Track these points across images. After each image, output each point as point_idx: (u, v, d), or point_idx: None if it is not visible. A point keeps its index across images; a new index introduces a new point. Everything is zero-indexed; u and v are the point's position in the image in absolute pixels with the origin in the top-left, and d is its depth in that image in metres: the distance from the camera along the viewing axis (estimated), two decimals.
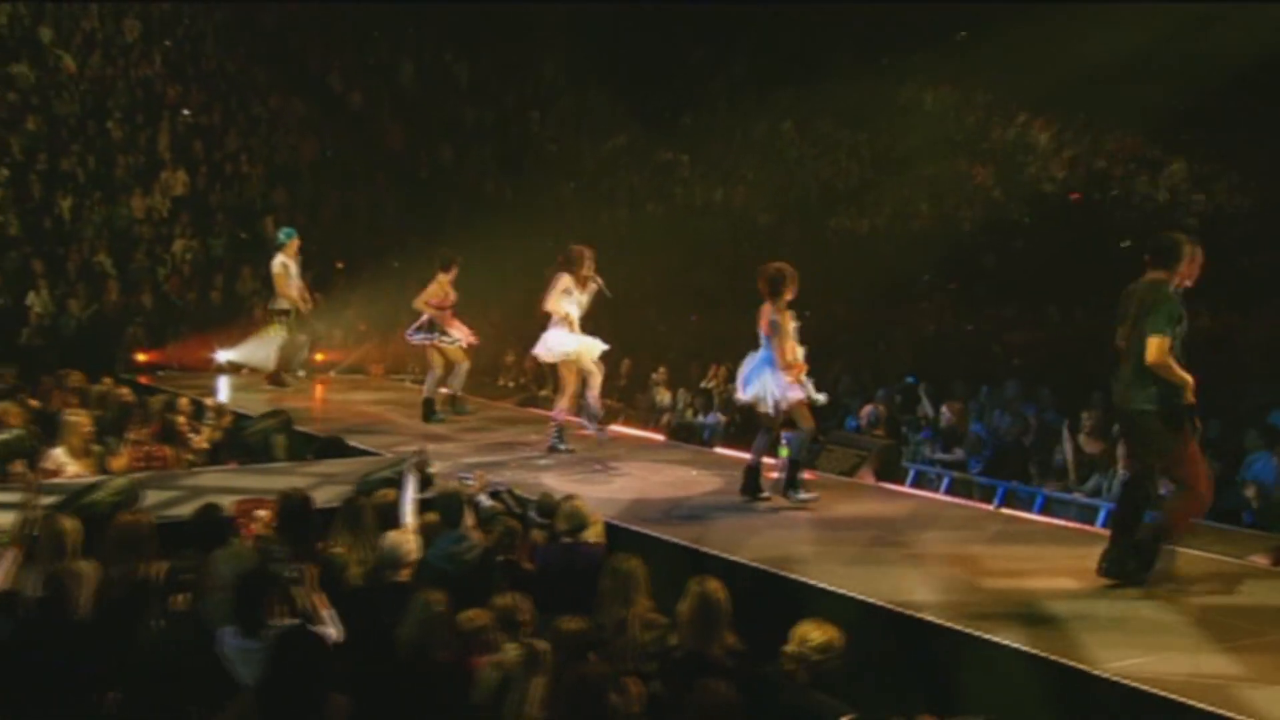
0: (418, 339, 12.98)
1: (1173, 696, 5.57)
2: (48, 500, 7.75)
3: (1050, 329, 19.40)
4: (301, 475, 10.03)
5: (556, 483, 9.89)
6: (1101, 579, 7.29)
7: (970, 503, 10.73)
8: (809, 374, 9.38)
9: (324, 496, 9.08)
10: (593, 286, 11.07)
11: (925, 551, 8.31)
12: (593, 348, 11.10)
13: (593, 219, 22.97)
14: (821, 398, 9.58)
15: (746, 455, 11.23)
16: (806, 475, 10.15)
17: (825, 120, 27.92)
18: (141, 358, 16.10)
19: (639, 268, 19.71)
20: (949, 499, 10.79)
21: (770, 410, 9.33)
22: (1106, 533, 8.64)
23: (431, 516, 7.98)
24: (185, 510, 8.56)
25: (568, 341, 10.90)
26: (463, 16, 27.88)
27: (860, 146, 27.41)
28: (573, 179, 24.64)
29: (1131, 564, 7.11)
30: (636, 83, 27.73)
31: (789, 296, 9.37)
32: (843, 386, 14.90)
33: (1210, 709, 5.44)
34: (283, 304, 14.50)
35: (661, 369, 15.28)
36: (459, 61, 26.99)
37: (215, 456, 10.91)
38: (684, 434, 12.87)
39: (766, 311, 9.31)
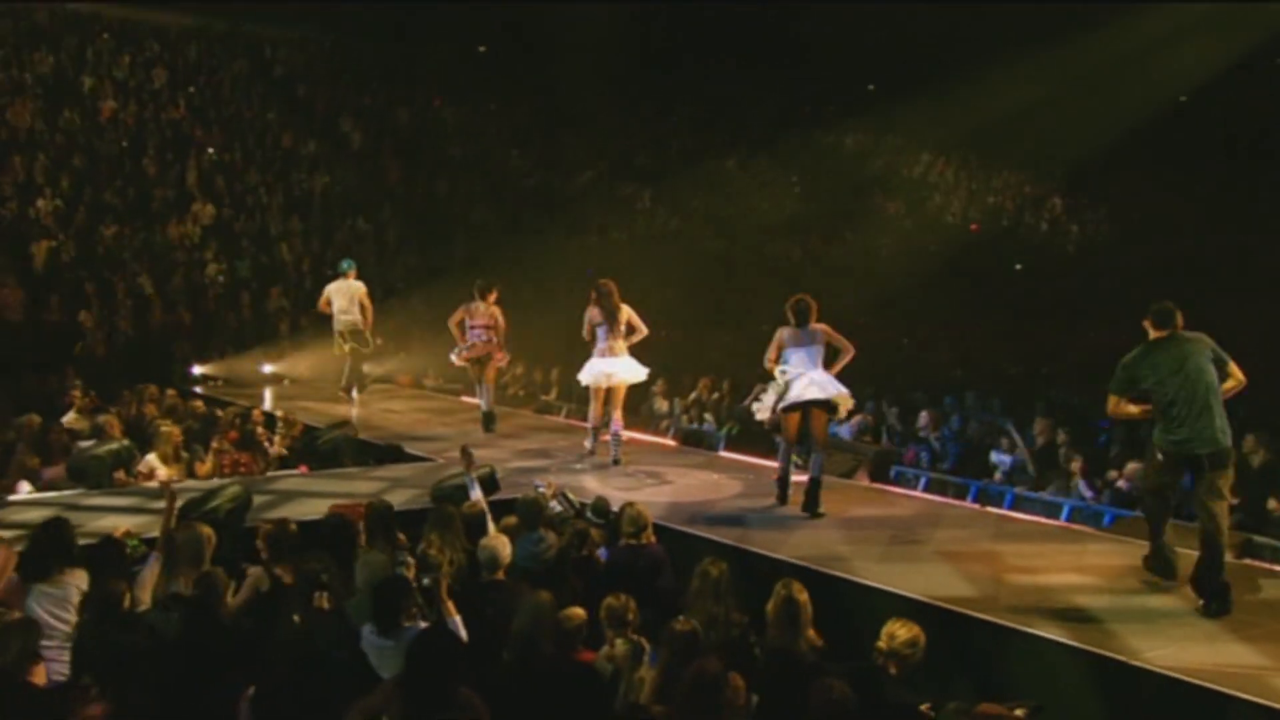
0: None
1: (1209, 685, 5.42)
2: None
3: (966, 342, 19.49)
4: (373, 480, 9.85)
5: (597, 485, 9.67)
6: (1101, 574, 7.24)
7: (962, 503, 10.47)
8: None
9: (398, 500, 8.90)
10: (625, 314, 10.68)
11: (945, 549, 8.01)
12: (625, 373, 10.69)
13: (566, 245, 22.78)
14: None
15: (752, 460, 11.19)
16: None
17: (762, 160, 27.90)
18: (197, 370, 15.61)
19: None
20: (943, 499, 10.53)
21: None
22: (1087, 530, 8.66)
23: (510, 520, 7.82)
24: (284, 512, 8.36)
25: (597, 367, 10.61)
26: (447, 66, 27.68)
27: (792, 184, 27.40)
28: (549, 209, 24.36)
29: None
30: (600, 126, 27.57)
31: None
32: None
33: (1244, 696, 5.31)
34: (344, 324, 14.18)
35: (660, 381, 15.00)
36: (446, 106, 26.65)
37: (286, 463, 10.68)
38: (694, 440, 12.59)
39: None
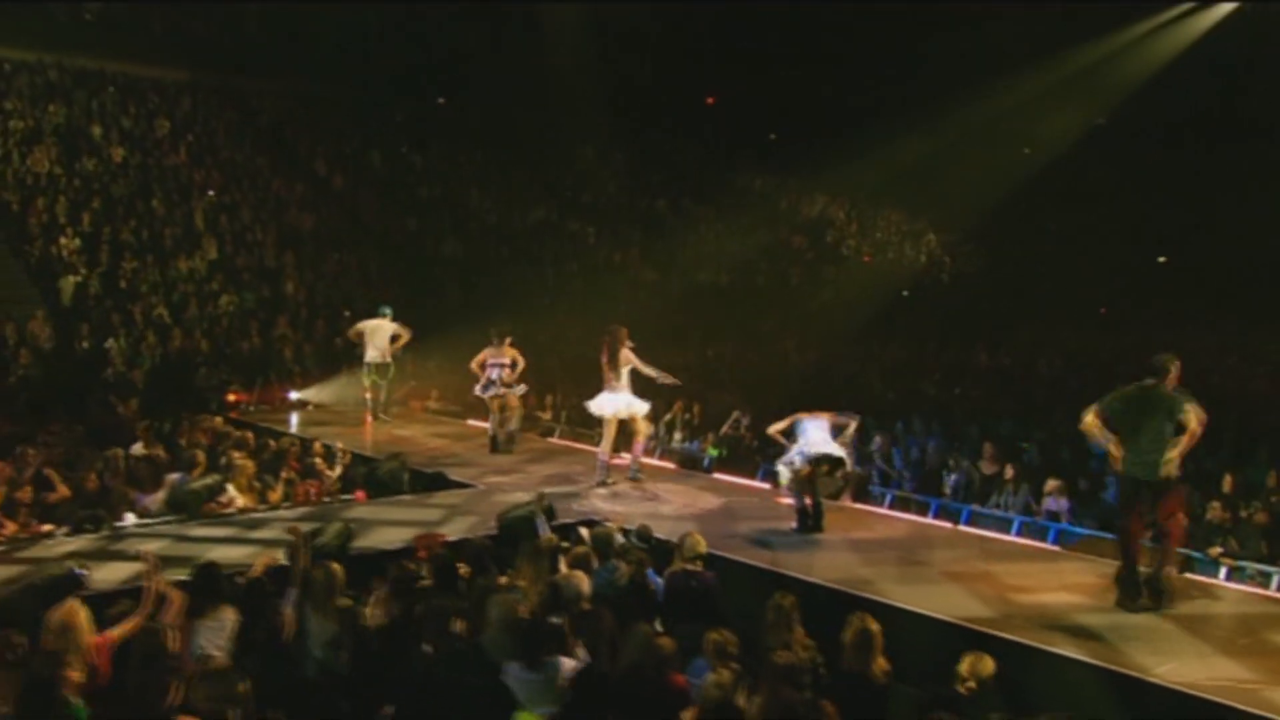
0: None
1: (1214, 699, 5.59)
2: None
3: (881, 363, 19.77)
4: (431, 508, 9.72)
5: (623, 509, 9.61)
6: (1085, 592, 7.39)
7: (939, 523, 10.28)
8: None
9: (461, 528, 8.84)
10: (624, 356, 10.58)
11: (947, 570, 7.96)
12: (637, 407, 10.63)
13: (524, 276, 22.71)
14: None
15: (743, 481, 11.25)
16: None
17: (687, 199, 28.06)
18: (231, 397, 15.19)
19: (574, 319, 19.62)
20: (923, 520, 10.41)
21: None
22: (1057, 549, 8.87)
23: (579, 550, 7.77)
24: (369, 541, 8.25)
25: (598, 400, 10.60)
26: (412, 115, 27.40)
27: (713, 219, 27.60)
28: (507, 243, 24.21)
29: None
30: (546, 167, 27.50)
31: None
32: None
33: (1245, 709, 5.47)
34: (380, 359, 14.12)
35: (673, 410, 14.80)
36: (413, 151, 26.32)
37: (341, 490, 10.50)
38: (690, 463, 12.49)
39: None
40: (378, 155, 25.65)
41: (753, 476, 11.57)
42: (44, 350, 16.39)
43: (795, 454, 8.86)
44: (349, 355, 18.14)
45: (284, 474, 10.18)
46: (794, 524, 9.08)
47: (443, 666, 6.11)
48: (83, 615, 5.87)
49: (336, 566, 6.73)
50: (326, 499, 10.01)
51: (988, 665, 5.51)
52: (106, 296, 17.89)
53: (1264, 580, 8.57)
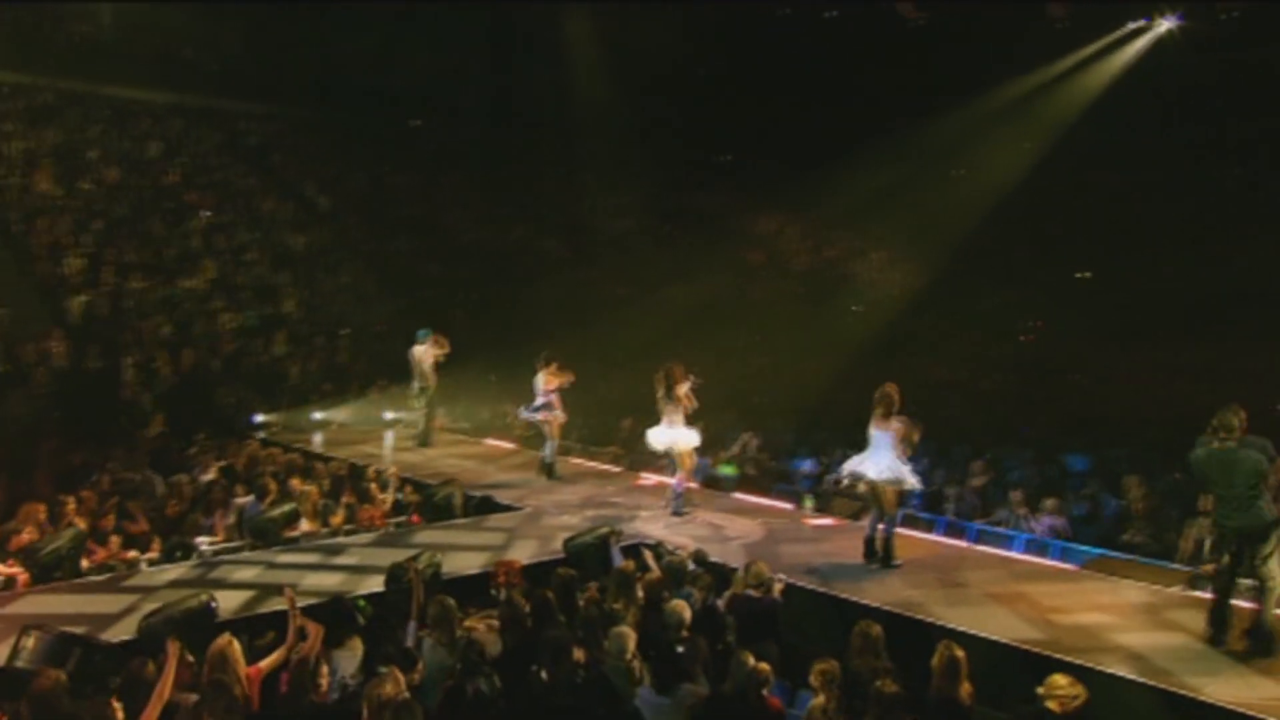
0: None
1: (1263, 717, 6.01)
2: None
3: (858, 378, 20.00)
4: (489, 531, 9.85)
5: (665, 533, 9.75)
6: (1117, 612, 7.75)
7: (950, 540, 10.24)
8: None
9: (525, 553, 9.00)
10: (686, 388, 10.55)
11: (987, 591, 8.11)
12: (689, 439, 10.59)
13: (502, 293, 22.81)
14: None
15: (768, 502, 11.51)
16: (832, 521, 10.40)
17: (651, 218, 28.33)
18: (260, 419, 15.11)
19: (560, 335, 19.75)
20: (947, 540, 10.32)
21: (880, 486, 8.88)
22: (1078, 570, 9.23)
23: (651, 576, 8.00)
24: (444, 568, 8.37)
25: (664, 435, 10.58)
26: (398, 137, 27.31)
27: (677, 239, 27.88)
28: (486, 261, 24.26)
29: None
30: (519, 188, 27.53)
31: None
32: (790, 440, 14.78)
33: None
34: (424, 384, 13.95)
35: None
36: (396, 173, 26.25)
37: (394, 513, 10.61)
38: (712, 483, 12.55)
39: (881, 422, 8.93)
40: (363, 177, 25.52)
41: (768, 496, 11.81)
42: (60, 370, 16.17)
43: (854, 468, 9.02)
44: (355, 373, 18.25)
45: (345, 499, 10.27)
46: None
47: (564, 694, 6.35)
48: (237, 647, 6.06)
49: (451, 601, 6.92)
50: (390, 524, 10.12)
51: (1076, 688, 5.75)
52: (114, 316, 17.65)
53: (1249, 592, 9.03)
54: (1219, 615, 7.24)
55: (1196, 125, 25.29)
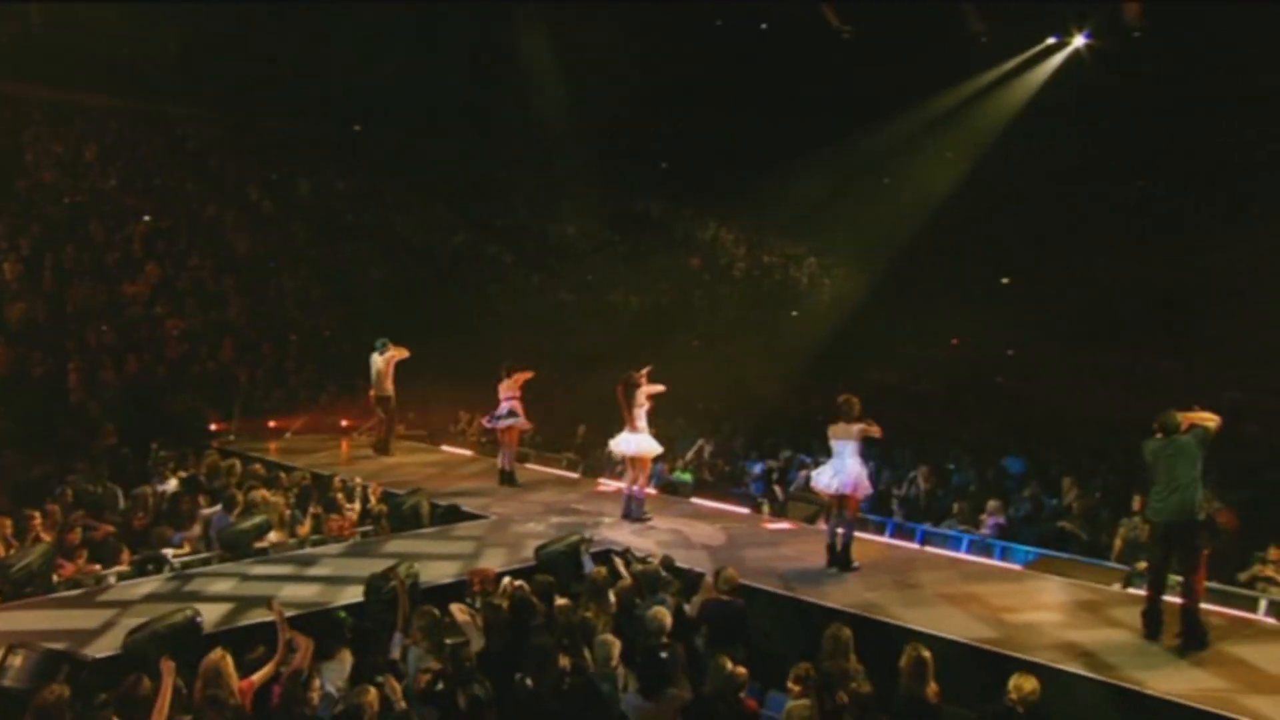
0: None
1: (1201, 707, 6.30)
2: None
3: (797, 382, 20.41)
4: (459, 540, 9.91)
5: (631, 539, 9.80)
6: (1060, 610, 8.15)
7: (899, 542, 10.67)
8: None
9: (496, 561, 9.09)
10: (644, 399, 10.58)
11: (939, 592, 8.34)
12: (651, 448, 10.65)
13: (446, 297, 22.79)
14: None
15: (726, 507, 11.71)
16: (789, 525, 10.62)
17: (594, 224, 28.50)
18: (213, 427, 14.93)
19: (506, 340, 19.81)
20: (896, 541, 10.72)
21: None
22: (1022, 569, 9.62)
23: (624, 583, 8.16)
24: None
25: (630, 443, 10.62)
26: (340, 142, 27.05)
27: (617, 245, 28.09)
28: (429, 266, 24.21)
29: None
30: (461, 193, 27.48)
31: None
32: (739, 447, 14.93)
33: (1230, 715, 6.20)
34: (383, 393, 13.86)
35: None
36: (339, 177, 26.01)
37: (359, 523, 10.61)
38: (669, 489, 12.68)
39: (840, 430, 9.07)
40: (305, 183, 25.27)
41: (725, 501, 12.03)
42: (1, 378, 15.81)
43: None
44: (300, 379, 18.09)
45: (312, 510, 10.27)
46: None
47: (551, 700, 6.50)
48: (229, 662, 6.10)
49: (437, 611, 7.04)
50: (358, 534, 10.14)
51: (1030, 683, 6.04)
52: (54, 322, 17.29)
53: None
54: (1153, 612, 7.58)
55: (1104, 138, 26.33)
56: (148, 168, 23.06)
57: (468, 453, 14.45)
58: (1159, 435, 7.52)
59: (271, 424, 15.16)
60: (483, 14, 26.24)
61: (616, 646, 6.66)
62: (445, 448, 14.74)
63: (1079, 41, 26.00)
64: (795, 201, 28.69)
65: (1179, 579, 7.69)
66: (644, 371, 10.68)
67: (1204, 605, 7.57)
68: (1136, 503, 11.10)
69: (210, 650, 6.41)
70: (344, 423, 14.93)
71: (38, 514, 9.06)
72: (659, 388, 10.73)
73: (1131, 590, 8.87)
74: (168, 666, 5.88)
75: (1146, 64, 24.47)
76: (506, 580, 7.69)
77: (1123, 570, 9.41)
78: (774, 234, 30.62)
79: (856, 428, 8.99)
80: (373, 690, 5.90)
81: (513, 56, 27.15)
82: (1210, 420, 7.45)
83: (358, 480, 11.05)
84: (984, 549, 10.57)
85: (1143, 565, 9.67)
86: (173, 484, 10.88)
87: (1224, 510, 10.14)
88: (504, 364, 12.41)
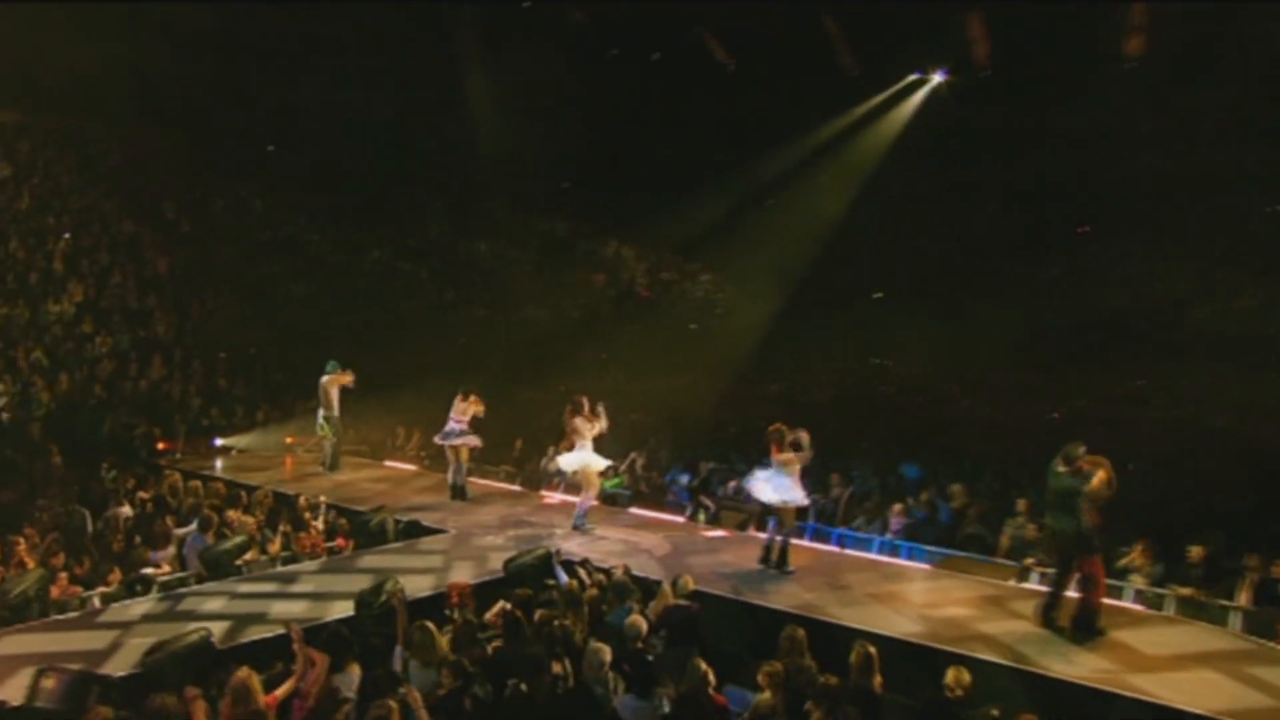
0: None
1: (1098, 686, 7.14)
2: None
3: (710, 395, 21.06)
4: (424, 555, 10.21)
5: (582, 549, 10.19)
6: (972, 605, 8.95)
7: (831, 548, 11.18)
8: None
9: (468, 574, 9.46)
10: (600, 418, 10.95)
11: (869, 592, 8.96)
12: (597, 463, 11.03)
13: (365, 315, 22.82)
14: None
15: (666, 516, 12.24)
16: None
17: (502, 242, 28.72)
18: (161, 446, 14.78)
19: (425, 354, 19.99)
20: (822, 546, 11.18)
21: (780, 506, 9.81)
22: (934, 569, 10.39)
23: (591, 593, 8.65)
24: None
25: (576, 459, 11.03)
26: (255, 161, 26.66)
27: (525, 263, 28.41)
28: (347, 284, 24.15)
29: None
30: (373, 211, 27.39)
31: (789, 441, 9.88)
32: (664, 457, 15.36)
33: (1119, 692, 7.05)
34: (329, 413, 13.96)
35: (552, 447, 15.27)
36: (254, 196, 25.69)
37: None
38: (607, 500, 12.91)
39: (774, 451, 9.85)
40: (220, 201, 24.90)
41: (660, 510, 12.57)
42: None
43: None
44: (235, 397, 17.99)
45: (282, 527, 10.46)
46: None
47: (547, 704, 6.96)
48: (255, 680, 6.42)
49: (432, 625, 7.44)
50: (329, 551, 10.37)
51: (966, 675, 6.86)
52: None
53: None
54: (1051, 604, 8.46)
55: (960, 169, 28.06)
56: (63, 185, 22.41)
57: (412, 467, 14.68)
58: (1062, 462, 8.32)
59: (218, 441, 15.04)
60: (391, 36, 26.21)
61: (607, 653, 7.12)
62: (388, 463, 14.92)
63: (937, 78, 27.62)
64: (690, 222, 29.48)
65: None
66: (597, 404, 11.07)
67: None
68: (1020, 505, 12.10)
69: (223, 668, 6.74)
70: (288, 439, 14.95)
71: (21, 539, 9.08)
72: (603, 424, 11.09)
73: (1025, 585, 9.74)
74: (193, 693, 6.18)
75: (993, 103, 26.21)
76: (501, 603, 8.04)
77: (1013, 566, 10.28)
78: (671, 252, 31.29)
79: (789, 454, 9.76)
80: (393, 703, 6.28)
81: (421, 78, 27.23)
82: (1100, 476, 8.23)
83: (321, 498, 11.24)
84: (892, 549, 11.36)
85: (1030, 561, 10.68)
86: (126, 509, 10.86)
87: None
88: (463, 387, 12.62)
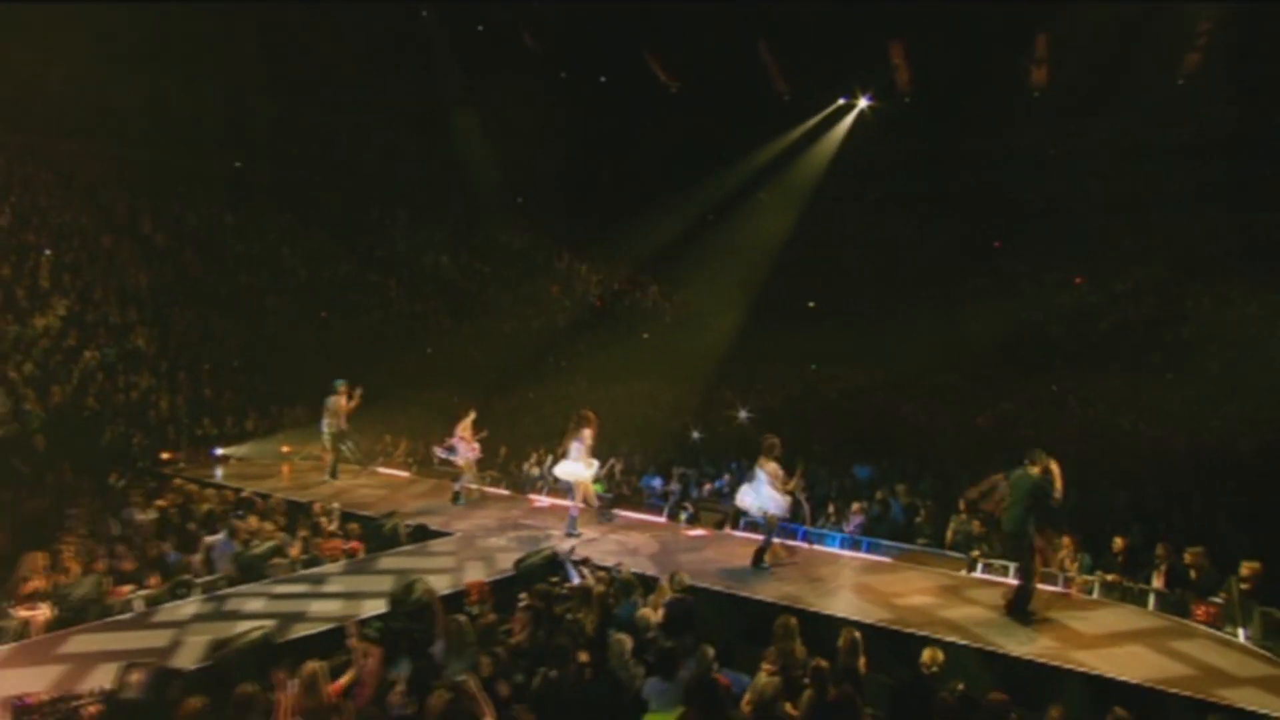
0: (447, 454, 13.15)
1: (1049, 662, 8.02)
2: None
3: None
4: (438, 556, 10.68)
5: (581, 549, 10.67)
6: (932, 594, 9.74)
7: (797, 543, 11.56)
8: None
9: (482, 574, 10.00)
10: (589, 433, 11.53)
11: (843, 584, 9.67)
12: (583, 472, 11.58)
13: (330, 325, 23.10)
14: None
15: (649, 518, 12.86)
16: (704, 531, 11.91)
17: (465, 255, 29.13)
18: (165, 455, 14.99)
19: (400, 363, 20.39)
20: (791, 542, 11.52)
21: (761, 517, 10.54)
22: (895, 561, 11.22)
23: (599, 589, 9.27)
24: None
25: (571, 468, 11.56)
26: (223, 176, 26.72)
27: (487, 273, 28.85)
28: (316, 296, 24.36)
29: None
30: (342, 226, 27.62)
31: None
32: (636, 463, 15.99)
33: (1066, 666, 7.85)
34: (332, 427, 14.33)
35: (535, 453, 15.74)
36: (226, 211, 25.73)
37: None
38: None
39: (764, 463, 10.40)
40: (194, 215, 24.92)
41: (640, 512, 13.21)
42: None
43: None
44: (221, 407, 18.22)
45: (301, 533, 10.90)
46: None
47: (575, 689, 7.60)
48: (324, 670, 6.97)
49: (464, 619, 8.03)
50: (343, 554, 10.83)
51: (940, 654, 7.65)
52: None
53: (1004, 571, 11.35)
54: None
55: (887, 187, 29.36)
56: (40, 202, 22.30)
57: (404, 474, 15.11)
58: (1031, 464, 9.17)
59: (218, 451, 15.31)
60: (355, 58, 26.49)
61: (629, 643, 7.78)
62: (381, 470, 15.33)
63: (863, 103, 28.84)
64: (640, 239, 30.27)
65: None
66: (593, 420, 11.67)
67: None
68: (962, 504, 13.01)
69: (284, 661, 7.27)
70: (284, 448, 15.28)
71: (68, 546, 9.44)
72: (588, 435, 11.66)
73: (975, 574, 10.62)
74: (281, 678, 6.71)
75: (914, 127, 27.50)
76: (524, 596, 8.63)
77: (962, 559, 11.15)
78: (623, 264, 32.01)
79: (772, 465, 10.44)
80: (445, 691, 6.88)
81: (384, 99, 27.60)
82: (1057, 480, 9.11)
83: (335, 505, 11.68)
84: (852, 544, 12.16)
85: (976, 554, 11.58)
86: (149, 514, 11.22)
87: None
88: (470, 406, 13.21)
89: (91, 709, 6.36)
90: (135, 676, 7.01)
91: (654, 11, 23.87)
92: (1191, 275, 25.48)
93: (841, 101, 28.92)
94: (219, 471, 14.71)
